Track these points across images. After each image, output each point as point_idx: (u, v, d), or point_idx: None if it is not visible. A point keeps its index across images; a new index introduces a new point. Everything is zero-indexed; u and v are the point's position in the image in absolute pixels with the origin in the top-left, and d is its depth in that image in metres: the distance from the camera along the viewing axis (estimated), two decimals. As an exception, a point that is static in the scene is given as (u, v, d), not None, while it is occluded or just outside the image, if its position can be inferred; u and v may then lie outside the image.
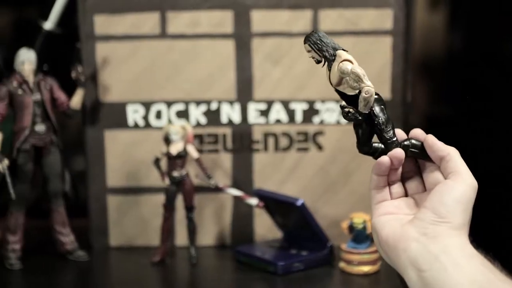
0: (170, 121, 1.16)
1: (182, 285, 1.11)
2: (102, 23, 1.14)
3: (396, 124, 1.08)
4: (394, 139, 0.67)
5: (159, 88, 1.16)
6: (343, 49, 0.65)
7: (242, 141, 1.18)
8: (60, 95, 1.11)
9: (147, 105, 1.17)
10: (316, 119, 1.17)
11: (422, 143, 0.67)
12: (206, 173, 1.11)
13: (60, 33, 1.19)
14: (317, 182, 1.18)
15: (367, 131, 0.67)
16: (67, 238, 1.14)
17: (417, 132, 0.68)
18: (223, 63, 1.16)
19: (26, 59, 1.07)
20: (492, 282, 0.58)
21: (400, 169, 0.68)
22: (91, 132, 1.17)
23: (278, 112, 1.17)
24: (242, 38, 1.16)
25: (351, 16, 1.15)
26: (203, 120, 1.17)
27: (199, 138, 1.17)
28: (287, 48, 1.16)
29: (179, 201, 1.13)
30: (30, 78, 1.08)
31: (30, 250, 1.14)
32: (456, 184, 0.63)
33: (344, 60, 0.65)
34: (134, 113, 1.17)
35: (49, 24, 1.19)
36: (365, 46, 1.15)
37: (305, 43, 0.66)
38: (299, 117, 1.17)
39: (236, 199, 1.17)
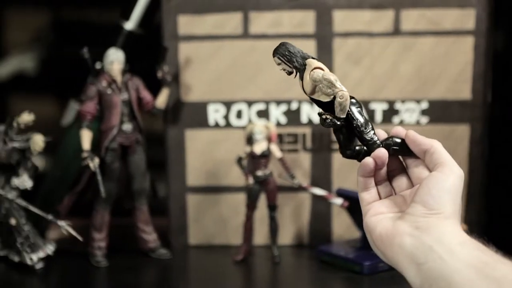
0: (250, 121, 1.17)
1: (266, 283, 1.11)
2: (186, 23, 1.15)
3: (477, 125, 1.08)
4: (375, 139, 0.67)
5: (240, 87, 1.17)
6: (312, 57, 0.66)
7: (322, 141, 1.18)
8: (146, 95, 1.12)
9: (228, 105, 1.18)
10: (395, 119, 1.18)
11: (403, 140, 0.67)
12: (289, 173, 1.12)
13: (141, 34, 1.21)
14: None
15: (348, 135, 0.67)
16: (150, 236, 1.15)
17: (399, 130, 0.69)
18: (304, 63, 1.16)
19: (115, 59, 1.08)
20: (488, 264, 0.58)
21: (385, 169, 0.68)
22: (172, 131, 1.18)
23: (358, 112, 1.17)
24: (324, 38, 1.16)
25: (433, 16, 1.15)
26: (283, 119, 1.18)
27: (279, 137, 1.18)
28: (368, 48, 1.16)
29: (261, 201, 1.14)
30: (118, 78, 1.09)
31: (113, 248, 1.15)
32: (443, 175, 0.63)
33: (315, 68, 0.66)
34: (215, 113, 1.18)
35: (130, 25, 1.20)
36: (446, 46, 1.15)
37: (274, 56, 0.68)
38: (378, 117, 1.18)
39: (315, 198, 1.17)
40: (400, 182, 0.69)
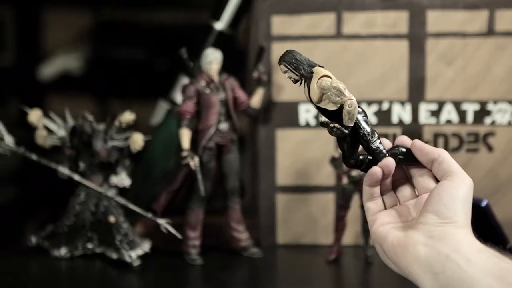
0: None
1: (358, 284, 1.12)
2: (279, 24, 1.16)
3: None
4: (382, 148, 0.66)
5: (331, 88, 1.17)
6: (319, 65, 0.65)
7: (412, 141, 1.18)
8: (241, 95, 1.12)
9: (319, 105, 1.18)
10: (487, 120, 1.17)
11: (408, 149, 0.67)
12: (384, 173, 1.12)
13: (230, 34, 1.21)
14: (486, 184, 1.17)
15: (352, 144, 0.67)
16: (242, 235, 1.15)
17: (403, 139, 0.68)
18: (396, 63, 1.16)
19: (214, 59, 1.09)
20: (509, 271, 0.57)
21: (390, 178, 0.68)
22: (263, 131, 1.19)
23: (449, 113, 1.17)
24: (417, 38, 1.16)
25: (528, 16, 1.14)
26: (373, 119, 1.18)
27: (369, 137, 1.18)
28: (461, 48, 1.16)
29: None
30: (216, 78, 1.10)
31: (205, 246, 1.16)
32: (454, 184, 0.63)
33: (323, 76, 0.66)
34: (306, 113, 1.18)
35: (220, 25, 1.21)
36: (541, 47, 1.15)
37: (280, 64, 0.67)
38: (470, 117, 1.17)
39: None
40: (404, 191, 0.69)
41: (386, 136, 1.18)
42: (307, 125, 1.19)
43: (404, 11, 1.15)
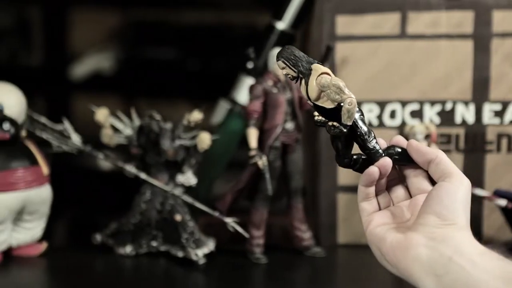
0: (404, 121, 1.17)
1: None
2: (344, 24, 1.16)
3: None
4: (378, 148, 0.66)
5: (395, 88, 1.17)
6: (317, 62, 0.64)
7: (475, 142, 1.18)
8: (306, 94, 1.12)
9: (382, 105, 1.18)
10: (551, 121, 1.17)
11: (404, 149, 0.66)
12: (449, 173, 1.12)
13: (292, 34, 1.22)
14: (549, 184, 1.17)
15: (347, 143, 0.66)
16: (305, 235, 1.16)
17: (399, 139, 0.67)
18: (461, 63, 1.16)
19: (281, 59, 1.09)
20: None
21: (385, 178, 0.67)
22: (325, 131, 1.19)
23: (513, 113, 1.17)
24: (482, 38, 1.15)
25: None
26: (436, 120, 1.18)
27: (432, 138, 1.18)
28: (526, 48, 1.15)
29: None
30: (282, 77, 1.10)
31: (267, 246, 1.16)
32: (453, 185, 0.62)
33: (322, 73, 0.64)
34: (369, 112, 1.18)
35: (282, 24, 1.21)
36: None
37: (278, 60, 0.66)
38: (533, 118, 1.17)
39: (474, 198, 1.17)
40: (398, 192, 0.69)
41: (449, 136, 1.18)
42: (370, 125, 1.18)
43: (469, 11, 1.15)
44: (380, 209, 0.69)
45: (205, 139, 1.09)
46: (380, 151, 0.66)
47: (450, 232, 0.61)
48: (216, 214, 1.09)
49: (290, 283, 1.08)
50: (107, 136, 1.13)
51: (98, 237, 1.15)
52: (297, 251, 1.16)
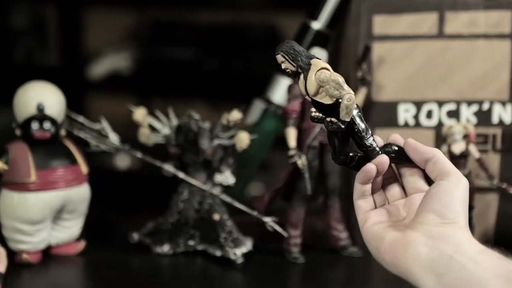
0: (440, 121, 1.17)
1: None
2: (381, 23, 1.16)
3: None
4: (375, 145, 0.65)
5: (432, 88, 1.17)
6: (317, 57, 0.63)
7: (513, 142, 1.18)
8: (344, 94, 1.12)
9: (418, 105, 1.18)
10: None
11: (401, 148, 0.65)
12: (488, 173, 1.12)
13: (328, 34, 1.22)
14: None
15: (344, 140, 0.65)
16: (342, 234, 1.16)
17: (396, 137, 0.67)
18: (498, 63, 1.16)
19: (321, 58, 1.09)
20: None
21: (381, 177, 0.66)
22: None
23: (551, 113, 1.17)
24: (519, 38, 1.15)
25: None
26: (473, 120, 1.17)
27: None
28: None
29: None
30: (321, 77, 1.10)
31: (304, 245, 1.16)
32: (451, 184, 0.62)
33: (322, 68, 0.64)
34: (405, 112, 1.18)
35: (318, 24, 1.22)
36: None
37: (277, 53, 0.65)
38: None
39: (504, 199, 1.16)
40: (393, 191, 0.68)
41: (485, 136, 1.18)
42: (406, 125, 1.18)
43: (507, 11, 1.15)
44: (376, 207, 0.68)
45: (244, 139, 1.09)
46: (377, 149, 0.66)
47: (449, 231, 0.61)
48: (255, 213, 1.09)
49: (327, 282, 1.08)
50: (144, 135, 1.13)
51: (135, 236, 1.15)
52: (333, 251, 1.16)
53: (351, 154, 0.67)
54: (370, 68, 1.16)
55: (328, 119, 0.65)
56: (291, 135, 1.08)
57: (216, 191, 1.11)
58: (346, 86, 0.64)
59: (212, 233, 1.11)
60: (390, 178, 0.69)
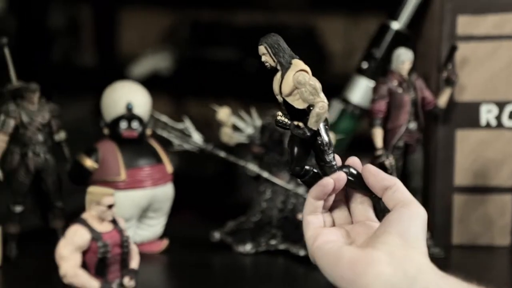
0: None
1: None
2: (464, 24, 1.15)
3: None
4: (334, 163, 0.63)
5: (515, 88, 1.17)
6: (299, 58, 0.61)
7: None
8: (428, 95, 1.12)
9: (501, 105, 1.17)
10: None
11: (359, 173, 0.64)
12: None
13: (408, 34, 1.21)
14: None
15: (304, 151, 0.63)
16: (423, 235, 1.15)
17: (355, 160, 0.65)
18: None
19: (407, 59, 1.09)
20: None
21: (333, 196, 0.65)
22: (443, 131, 1.18)
23: None
24: None
25: None
26: (555, 121, 1.17)
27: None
28: None
29: None
30: (406, 77, 1.10)
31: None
32: (412, 213, 0.62)
33: (301, 70, 0.61)
34: (487, 113, 1.17)
35: (397, 25, 1.21)
36: None
37: (260, 44, 0.63)
38: None
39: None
40: (341, 214, 0.67)
41: None
42: (488, 126, 1.18)
43: None
44: (324, 225, 0.67)
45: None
46: (335, 167, 0.65)
47: (412, 254, 0.61)
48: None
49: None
50: (226, 135, 1.14)
51: (217, 235, 1.16)
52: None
53: (307, 167, 0.65)
54: (454, 68, 1.16)
55: (295, 122, 0.63)
56: (378, 135, 1.08)
57: (301, 190, 1.11)
58: (322, 94, 0.62)
59: (296, 233, 1.11)
60: (339, 200, 0.68)
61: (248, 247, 1.14)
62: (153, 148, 1.11)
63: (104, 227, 0.88)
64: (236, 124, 1.14)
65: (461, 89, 1.17)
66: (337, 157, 0.66)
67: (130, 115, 1.07)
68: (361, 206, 0.67)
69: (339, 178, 0.64)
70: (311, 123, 0.62)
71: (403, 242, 0.61)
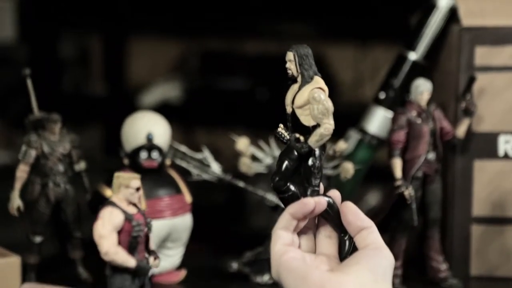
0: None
1: None
2: (483, 54, 1.16)
3: None
4: (318, 189, 0.64)
5: (533, 119, 1.17)
6: (320, 76, 0.63)
7: None
8: (446, 125, 1.13)
9: (519, 136, 1.17)
10: None
11: (337, 207, 0.64)
12: None
13: (425, 65, 1.22)
14: None
15: (293, 168, 0.64)
16: (442, 266, 1.15)
17: (336, 194, 0.66)
18: None
19: (426, 90, 1.10)
20: None
21: (306, 221, 0.65)
22: (461, 162, 1.18)
23: None
24: None
25: None
26: None
27: None
28: None
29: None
30: (425, 107, 1.10)
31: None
32: (383, 255, 0.64)
33: (320, 88, 0.63)
34: (505, 144, 1.18)
35: (415, 55, 1.22)
36: None
37: (291, 50, 0.64)
38: None
39: None
40: (307, 241, 0.68)
41: None
42: (506, 156, 1.18)
43: None
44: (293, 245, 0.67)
45: (349, 169, 1.09)
46: (318, 193, 0.66)
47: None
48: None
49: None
50: (245, 165, 1.14)
51: (234, 265, 1.15)
52: (433, 282, 1.16)
53: (290, 186, 0.66)
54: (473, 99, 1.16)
55: (297, 135, 0.65)
56: (397, 165, 1.08)
57: (320, 221, 1.11)
58: (331, 117, 0.64)
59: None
60: (309, 228, 0.68)
61: (266, 278, 1.13)
62: (172, 178, 1.11)
63: (131, 209, 0.95)
64: (255, 154, 1.14)
65: (479, 120, 1.17)
66: (322, 186, 0.67)
67: (150, 145, 1.07)
68: (329, 240, 0.68)
69: (320, 202, 0.65)
70: (312, 141, 0.64)
71: (373, 277, 0.62)
